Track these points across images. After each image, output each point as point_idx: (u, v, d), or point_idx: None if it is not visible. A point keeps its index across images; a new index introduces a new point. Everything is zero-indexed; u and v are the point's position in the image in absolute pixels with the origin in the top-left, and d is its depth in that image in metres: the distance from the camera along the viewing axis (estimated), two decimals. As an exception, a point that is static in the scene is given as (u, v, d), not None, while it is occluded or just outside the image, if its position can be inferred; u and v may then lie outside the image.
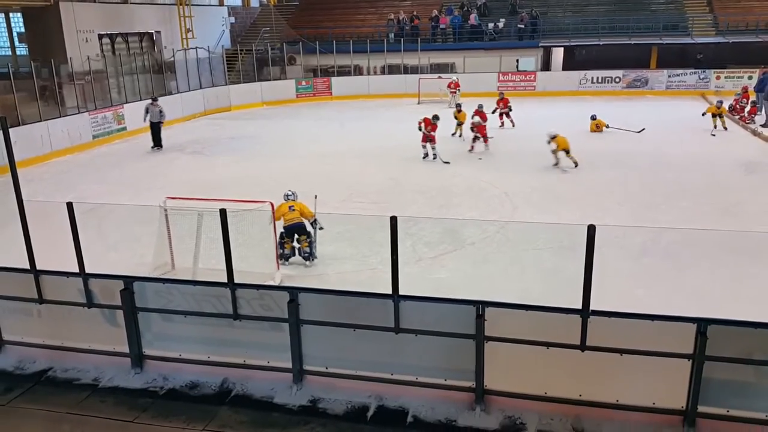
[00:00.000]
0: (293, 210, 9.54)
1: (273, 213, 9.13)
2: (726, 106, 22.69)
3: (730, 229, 10.26)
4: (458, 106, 19.64)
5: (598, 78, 29.04)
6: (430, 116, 16.28)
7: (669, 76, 28.42)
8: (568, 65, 32.09)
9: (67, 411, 6.28)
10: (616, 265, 8.77)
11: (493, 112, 20.66)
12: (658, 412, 5.63)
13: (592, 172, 15.12)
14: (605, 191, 13.44)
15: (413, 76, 29.17)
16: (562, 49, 31.85)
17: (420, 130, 16.22)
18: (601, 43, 29.68)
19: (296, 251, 9.71)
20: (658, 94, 28.06)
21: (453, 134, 19.36)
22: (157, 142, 19.64)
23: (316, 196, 9.94)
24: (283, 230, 9.57)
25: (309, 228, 9.62)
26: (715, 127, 19.40)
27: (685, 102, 26.09)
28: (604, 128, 20.25)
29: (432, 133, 16.16)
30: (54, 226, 7.44)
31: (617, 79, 28.86)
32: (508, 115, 21.32)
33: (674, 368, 5.48)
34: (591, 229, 5.23)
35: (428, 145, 16.30)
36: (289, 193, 9.87)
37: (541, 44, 30.59)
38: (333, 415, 6.09)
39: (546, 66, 31.63)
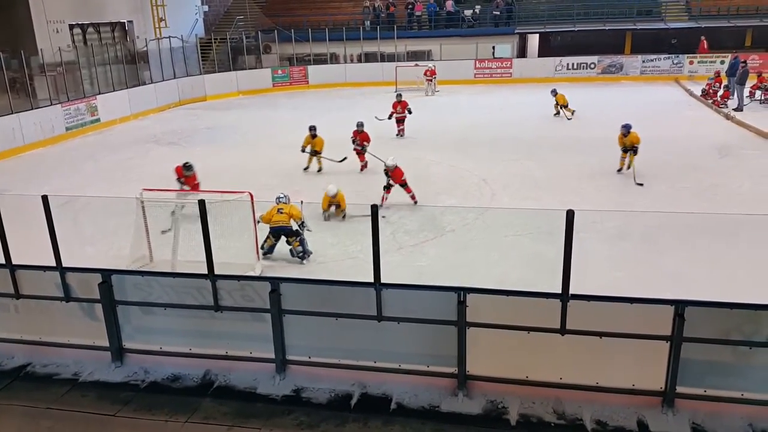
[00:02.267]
0: (281, 213, 9.41)
1: (252, 205, 9.06)
2: (699, 90, 23.15)
3: (706, 212, 10.44)
4: (312, 129, 14.28)
5: (573, 64, 29.25)
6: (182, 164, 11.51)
7: (643, 62, 28.72)
8: (543, 52, 32.25)
9: (48, 406, 6.21)
10: (594, 250, 8.88)
11: (389, 117, 17.75)
12: (637, 394, 5.74)
13: (569, 157, 15.26)
14: (583, 176, 13.57)
15: (390, 64, 29.09)
16: (538, 35, 31.99)
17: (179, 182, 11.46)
18: (576, 29, 29.87)
19: (273, 249, 9.61)
20: (633, 79, 28.37)
21: (305, 169, 14.37)
22: None
23: (302, 202, 9.96)
24: (270, 230, 9.49)
25: (296, 228, 9.49)
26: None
27: (659, 87, 26.43)
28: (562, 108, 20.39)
29: (185, 186, 11.24)
30: (28, 220, 7.31)
31: (592, 65, 29.10)
32: (402, 122, 17.82)
33: (653, 350, 5.58)
34: (570, 215, 5.29)
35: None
36: (281, 196, 9.74)
37: (516, 31, 30.70)
38: (316, 404, 6.11)
39: (522, 53, 31.77)
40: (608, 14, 29.73)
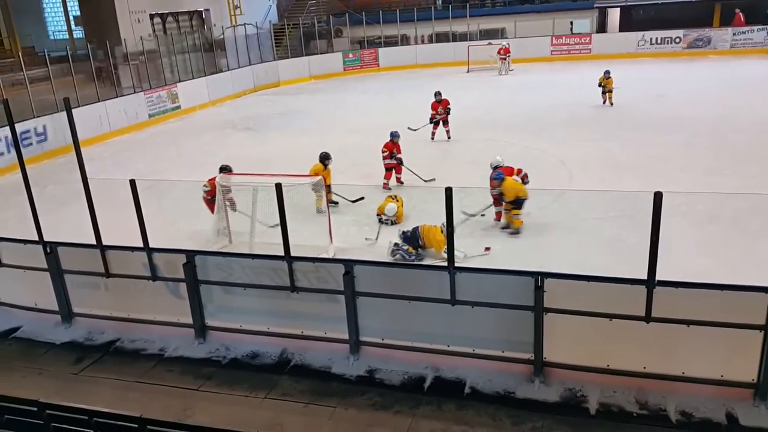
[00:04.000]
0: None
1: (326, 188, 9.12)
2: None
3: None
4: (325, 157, 10.66)
5: (657, 39, 27.79)
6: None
7: (734, 35, 26.92)
8: (625, 26, 30.81)
9: (136, 380, 6.55)
10: (681, 234, 8.46)
11: (431, 121, 15.32)
12: (726, 385, 5.45)
13: (652, 137, 14.55)
14: (667, 157, 12.90)
15: (462, 44, 28.63)
16: (619, 9, 30.58)
17: None
18: (660, 1, 28.34)
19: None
20: (721, 53, 26.69)
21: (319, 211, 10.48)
22: None
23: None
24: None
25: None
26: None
27: (752, 61, 24.74)
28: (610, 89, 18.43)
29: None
30: (116, 203, 7.69)
31: (677, 40, 27.55)
32: (446, 123, 15.37)
33: (744, 339, 5.28)
34: (658, 197, 5.02)
35: None
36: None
37: (596, 5, 29.50)
38: (390, 385, 6.16)
39: (602, 28, 30.51)
40: (696, -15, 28.08)
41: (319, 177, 9.76)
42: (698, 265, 7.70)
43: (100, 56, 20.01)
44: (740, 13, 27.34)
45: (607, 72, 18.45)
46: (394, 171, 11.91)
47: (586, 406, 5.59)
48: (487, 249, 8.89)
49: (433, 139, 15.59)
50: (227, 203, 9.67)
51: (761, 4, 27.85)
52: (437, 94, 15.47)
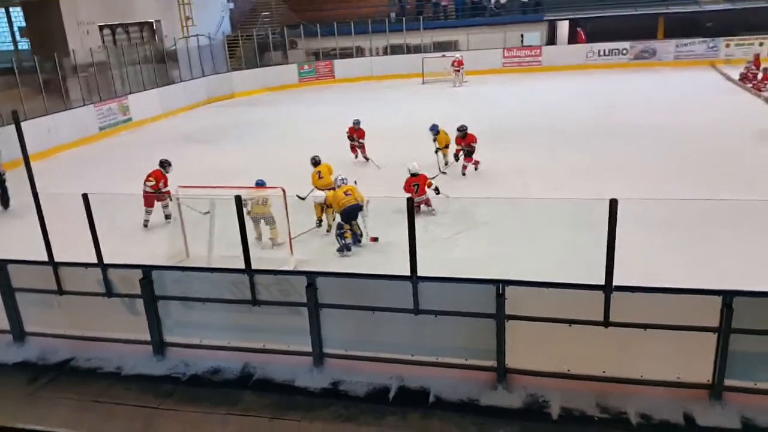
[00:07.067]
0: (349, 195, 9.56)
1: (285, 200, 9.06)
2: (736, 74, 22.55)
3: (750, 199, 10.13)
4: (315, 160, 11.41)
5: (605, 51, 28.69)
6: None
7: (677, 46, 28.03)
8: (574, 39, 31.70)
9: (93, 399, 6.35)
10: (636, 240, 8.68)
11: (456, 158, 13.50)
12: (683, 387, 5.62)
13: (604, 146, 14.99)
14: (620, 165, 13.30)
15: (416, 56, 28.90)
16: (568, 22, 31.46)
17: None
18: (606, 14, 29.30)
19: (358, 238, 9.64)
20: (666, 64, 27.72)
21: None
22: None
23: (356, 182, 10.10)
24: (340, 217, 9.53)
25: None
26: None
27: (695, 72, 25.77)
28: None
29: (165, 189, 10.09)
30: (67, 219, 7.44)
31: (624, 51, 28.50)
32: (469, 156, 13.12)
33: (699, 342, 5.45)
34: (613, 204, 5.17)
35: None
36: (343, 177, 9.95)
37: (545, 18, 30.26)
38: (354, 396, 6.13)
39: (551, 40, 31.29)
40: (640, -1, 29.11)
41: (276, 189, 9.64)
42: (654, 270, 7.93)
43: (48, 68, 19.38)
44: (581, 32, 29.05)
45: (434, 126, 13.58)
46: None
47: (548, 411, 5.67)
48: (373, 239, 9.65)
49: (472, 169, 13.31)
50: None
51: (703, 17, 29.07)
52: (462, 128, 13.16)
